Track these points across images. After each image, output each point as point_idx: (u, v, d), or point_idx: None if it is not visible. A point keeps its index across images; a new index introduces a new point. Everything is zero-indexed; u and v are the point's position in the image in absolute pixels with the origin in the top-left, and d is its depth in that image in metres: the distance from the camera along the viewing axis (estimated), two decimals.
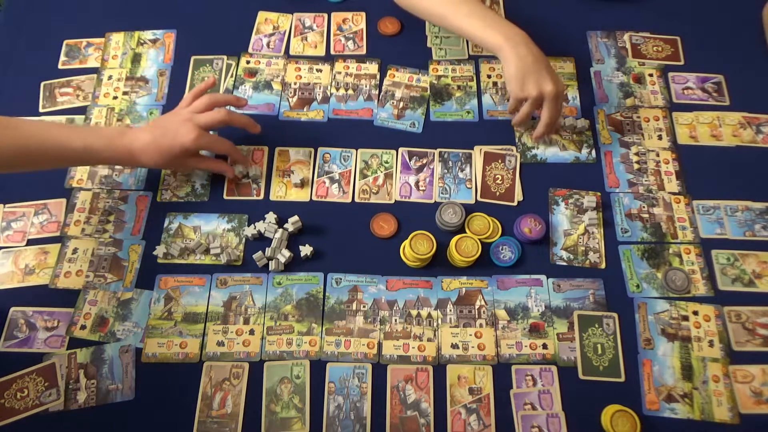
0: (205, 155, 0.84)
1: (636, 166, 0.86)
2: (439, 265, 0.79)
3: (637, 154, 0.87)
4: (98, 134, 0.75)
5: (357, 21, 1.00)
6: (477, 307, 0.77)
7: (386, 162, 0.86)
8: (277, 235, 0.79)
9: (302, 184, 0.84)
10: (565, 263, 0.80)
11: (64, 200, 0.83)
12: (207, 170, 0.84)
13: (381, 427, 0.70)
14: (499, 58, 0.81)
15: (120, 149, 0.75)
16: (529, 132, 0.88)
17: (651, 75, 0.94)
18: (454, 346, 0.74)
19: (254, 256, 0.78)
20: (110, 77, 0.94)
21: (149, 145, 0.76)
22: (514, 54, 0.79)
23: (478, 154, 0.87)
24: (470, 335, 0.75)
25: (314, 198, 0.84)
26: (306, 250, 0.79)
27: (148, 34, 0.98)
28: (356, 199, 0.84)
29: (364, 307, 0.77)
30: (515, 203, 0.84)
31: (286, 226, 0.80)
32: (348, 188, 0.84)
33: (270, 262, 0.78)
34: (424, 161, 0.87)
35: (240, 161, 0.85)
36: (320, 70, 0.95)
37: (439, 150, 0.88)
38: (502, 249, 0.80)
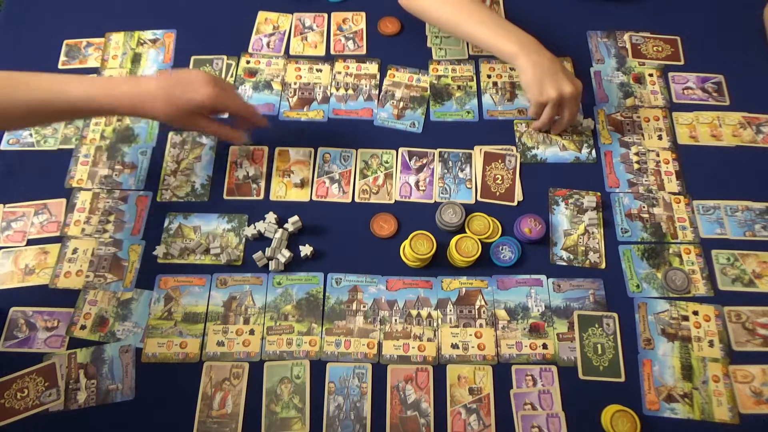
0: (213, 119, 0.77)
1: (636, 166, 0.86)
2: (439, 265, 0.79)
3: (637, 154, 0.87)
4: (100, 83, 0.71)
5: (357, 21, 1.00)
6: (477, 307, 0.77)
7: (386, 162, 0.86)
8: (277, 235, 0.79)
9: (302, 184, 0.84)
10: (565, 263, 0.80)
11: (64, 200, 0.83)
12: (214, 135, 0.78)
13: (381, 427, 0.70)
14: (513, 66, 0.82)
15: (123, 97, 0.69)
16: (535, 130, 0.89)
17: (651, 75, 0.94)
18: (454, 346, 0.74)
19: (254, 256, 0.78)
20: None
21: (158, 93, 0.70)
22: (530, 61, 0.80)
23: (478, 154, 0.87)
24: (470, 335, 0.75)
25: (314, 198, 0.84)
26: (306, 250, 0.79)
27: (148, 34, 0.98)
28: (356, 199, 0.84)
29: (364, 307, 0.77)
30: (515, 203, 0.84)
31: (286, 226, 0.80)
32: (348, 188, 0.84)
33: (270, 262, 0.78)
34: (424, 161, 0.87)
35: (258, 123, 0.80)
36: (320, 70, 0.94)
37: (439, 150, 0.88)
38: (502, 249, 0.80)
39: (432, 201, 0.84)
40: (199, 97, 0.71)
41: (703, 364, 0.73)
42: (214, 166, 0.86)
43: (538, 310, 0.76)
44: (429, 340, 0.75)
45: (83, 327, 0.75)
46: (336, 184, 0.85)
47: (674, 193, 0.84)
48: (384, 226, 0.82)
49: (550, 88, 0.80)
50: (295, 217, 0.80)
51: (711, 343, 0.74)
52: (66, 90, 0.67)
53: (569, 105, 0.82)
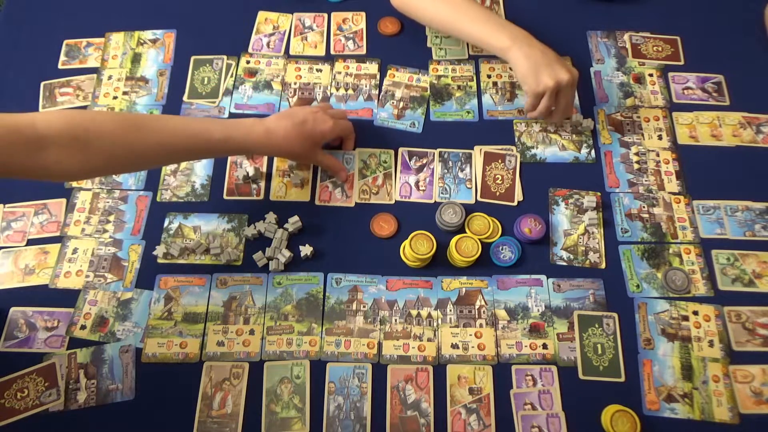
0: (328, 153, 0.85)
1: (636, 166, 0.86)
2: (439, 265, 0.79)
3: (637, 154, 0.87)
4: (236, 124, 0.76)
5: (357, 21, 1.00)
6: (477, 307, 0.77)
7: (384, 162, 0.86)
8: (277, 235, 0.79)
9: (302, 184, 0.84)
10: (565, 263, 0.80)
11: (64, 200, 0.83)
12: (326, 167, 0.84)
13: (381, 427, 0.70)
14: (507, 61, 0.82)
15: (259, 135, 0.76)
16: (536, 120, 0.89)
17: (651, 75, 0.94)
18: (454, 346, 0.74)
19: (254, 256, 0.78)
20: (110, 77, 0.94)
21: (290, 130, 0.77)
22: (522, 53, 0.79)
23: (478, 154, 0.87)
24: (470, 335, 0.75)
25: (317, 203, 0.84)
26: (306, 250, 0.79)
27: (148, 34, 0.98)
28: (356, 200, 0.84)
29: (364, 307, 0.77)
30: (515, 203, 0.84)
31: (286, 226, 0.80)
32: (351, 192, 0.84)
33: (270, 262, 0.78)
34: (424, 161, 0.87)
35: (349, 148, 0.87)
36: (320, 70, 0.94)
37: (439, 150, 0.88)
38: (502, 249, 0.80)
39: (432, 201, 0.84)
40: (326, 128, 0.80)
41: (703, 364, 0.73)
42: (214, 166, 0.86)
43: (538, 310, 0.76)
44: (429, 340, 0.75)
45: (83, 327, 0.75)
46: (339, 189, 0.84)
47: (674, 193, 0.84)
48: (384, 226, 0.81)
49: (546, 78, 0.79)
50: (295, 217, 0.80)
51: (711, 343, 0.74)
52: (210, 131, 0.72)
53: (565, 93, 0.81)
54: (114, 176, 0.85)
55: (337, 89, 0.93)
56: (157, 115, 0.72)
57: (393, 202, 0.84)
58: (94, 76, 0.94)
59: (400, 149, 0.87)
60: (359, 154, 0.87)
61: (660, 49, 0.97)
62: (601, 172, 0.86)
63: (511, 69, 0.94)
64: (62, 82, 0.93)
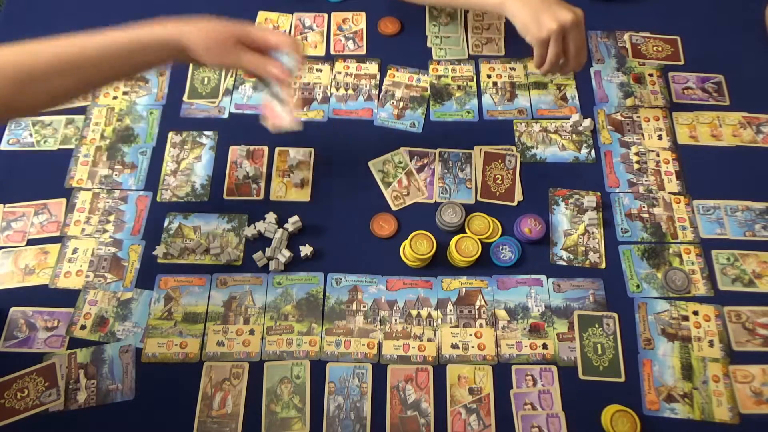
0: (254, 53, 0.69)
1: (636, 166, 0.86)
2: (439, 265, 0.79)
3: (637, 154, 0.87)
4: (138, 25, 0.70)
5: (357, 21, 1.00)
6: (477, 307, 0.77)
7: (400, 163, 0.86)
8: (277, 235, 0.79)
9: (302, 184, 0.84)
10: (565, 263, 0.80)
11: (64, 200, 0.83)
12: (255, 69, 0.70)
13: (381, 427, 0.70)
14: (505, 15, 0.78)
15: (167, 22, 0.69)
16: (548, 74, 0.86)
17: (651, 75, 0.94)
18: (454, 346, 0.74)
19: (254, 256, 0.78)
20: None
21: (199, 21, 0.68)
22: (519, 2, 0.76)
23: (478, 154, 0.87)
24: (470, 335, 0.75)
25: (263, 123, 0.70)
26: (306, 250, 0.79)
27: None
28: (393, 207, 0.83)
29: (364, 307, 0.77)
30: (515, 203, 0.84)
31: (286, 226, 0.80)
32: (292, 106, 0.70)
33: (270, 262, 0.78)
34: (425, 161, 0.87)
35: (296, 50, 0.69)
36: (320, 70, 0.94)
37: (439, 150, 0.88)
38: (502, 249, 0.80)
39: (432, 201, 0.84)
40: (242, 24, 0.68)
41: (703, 364, 0.73)
42: (214, 166, 0.86)
43: (538, 310, 0.76)
44: (429, 340, 0.75)
45: (83, 327, 0.75)
46: (281, 103, 0.70)
47: (674, 193, 0.84)
48: (384, 226, 0.81)
49: (548, 21, 0.75)
50: (295, 217, 0.80)
51: (711, 343, 0.74)
52: (106, 31, 0.69)
53: (573, 36, 0.77)
54: (114, 176, 0.85)
55: (337, 89, 0.93)
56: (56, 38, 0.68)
57: (427, 195, 0.84)
58: None
59: (401, 149, 0.87)
60: (374, 165, 0.86)
61: (660, 49, 0.97)
62: (601, 172, 0.86)
63: (512, 69, 0.94)
64: None
